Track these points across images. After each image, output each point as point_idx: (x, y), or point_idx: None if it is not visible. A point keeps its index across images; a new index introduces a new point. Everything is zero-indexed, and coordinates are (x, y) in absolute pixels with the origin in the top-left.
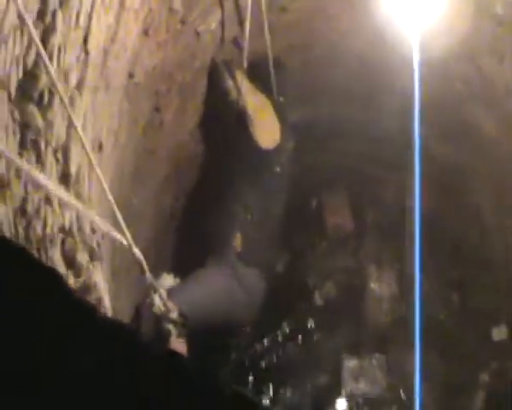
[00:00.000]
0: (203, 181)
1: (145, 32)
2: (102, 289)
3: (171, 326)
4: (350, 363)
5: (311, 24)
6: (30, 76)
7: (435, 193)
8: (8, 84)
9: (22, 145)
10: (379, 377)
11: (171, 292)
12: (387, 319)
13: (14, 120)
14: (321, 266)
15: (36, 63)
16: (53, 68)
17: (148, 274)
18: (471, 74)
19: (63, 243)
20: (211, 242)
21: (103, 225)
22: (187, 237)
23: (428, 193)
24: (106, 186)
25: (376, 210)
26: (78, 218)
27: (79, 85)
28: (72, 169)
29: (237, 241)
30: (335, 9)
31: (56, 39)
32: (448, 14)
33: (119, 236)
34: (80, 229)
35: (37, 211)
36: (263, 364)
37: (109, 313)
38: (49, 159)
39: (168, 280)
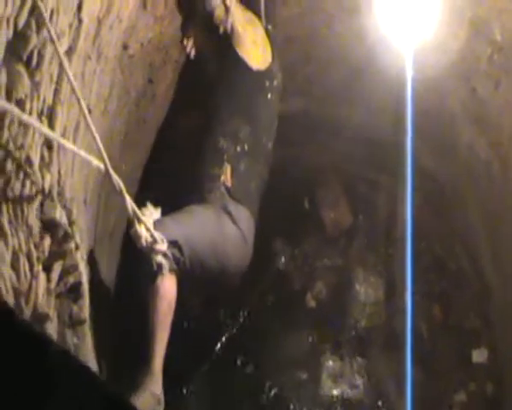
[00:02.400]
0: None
1: (143, 6)
2: (78, 254)
3: (162, 259)
4: (330, 364)
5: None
6: (20, 37)
7: (424, 205)
8: None
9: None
10: (358, 380)
11: (159, 223)
12: (369, 324)
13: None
14: (312, 265)
15: (27, 24)
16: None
17: (128, 200)
18: (465, 94)
19: (42, 205)
20: (199, 177)
21: (82, 153)
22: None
23: (418, 204)
24: (99, 142)
25: (366, 211)
26: (59, 181)
27: (70, 52)
28: (57, 132)
29: (227, 174)
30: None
31: (49, 3)
32: (442, 34)
33: (95, 161)
34: (61, 193)
35: (17, 170)
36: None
37: (83, 279)
38: (34, 120)
39: (153, 213)
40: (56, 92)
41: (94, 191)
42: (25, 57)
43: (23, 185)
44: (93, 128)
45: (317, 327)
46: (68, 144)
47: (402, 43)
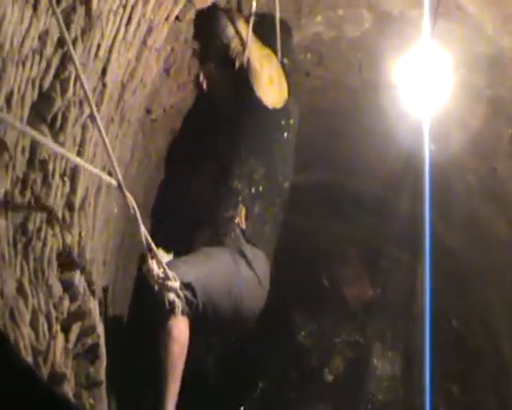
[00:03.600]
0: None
1: (166, 72)
2: (97, 316)
3: (174, 298)
4: None
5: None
6: (45, 98)
7: (443, 281)
8: (22, 104)
9: (30, 165)
10: None
11: (171, 265)
12: (386, 398)
13: (24, 139)
14: (329, 340)
15: (52, 86)
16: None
17: (143, 230)
18: (485, 173)
19: (61, 265)
20: (213, 219)
21: (95, 170)
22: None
23: (437, 280)
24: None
25: (386, 286)
26: (79, 243)
27: (93, 115)
28: (79, 193)
29: (241, 216)
30: (358, 84)
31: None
32: (460, 112)
33: (108, 178)
34: (81, 255)
35: (39, 231)
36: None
37: (101, 341)
38: (56, 181)
39: (165, 257)
40: (79, 154)
41: (113, 253)
42: (49, 119)
43: (44, 246)
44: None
45: (333, 400)
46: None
47: (421, 119)
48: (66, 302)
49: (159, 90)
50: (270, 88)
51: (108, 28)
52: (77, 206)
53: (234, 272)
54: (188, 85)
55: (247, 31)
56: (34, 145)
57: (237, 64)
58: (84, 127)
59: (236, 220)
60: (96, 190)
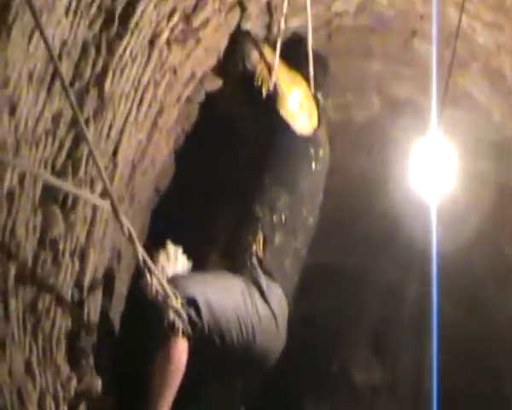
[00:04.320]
0: None
1: (176, 152)
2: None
3: (175, 317)
4: None
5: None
6: (57, 178)
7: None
8: (35, 186)
9: (40, 244)
10: None
11: (176, 278)
12: None
13: (35, 218)
14: None
15: (64, 166)
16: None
17: (138, 248)
18: (491, 258)
19: (70, 345)
20: (230, 244)
21: (87, 194)
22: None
23: (444, 361)
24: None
25: (393, 368)
26: (87, 321)
27: (103, 195)
28: (88, 273)
29: (259, 244)
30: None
31: (86, 147)
32: (467, 197)
33: (101, 202)
34: (88, 333)
35: (48, 311)
36: None
37: None
38: (66, 260)
39: (175, 254)
40: (89, 235)
41: None
42: (60, 198)
43: (53, 325)
44: None
45: None
46: None
47: (429, 204)
48: (74, 382)
49: (169, 169)
50: (299, 113)
51: (120, 109)
52: (86, 286)
53: (246, 302)
54: None
55: (273, 56)
56: (45, 224)
57: (264, 91)
58: (94, 207)
59: (254, 248)
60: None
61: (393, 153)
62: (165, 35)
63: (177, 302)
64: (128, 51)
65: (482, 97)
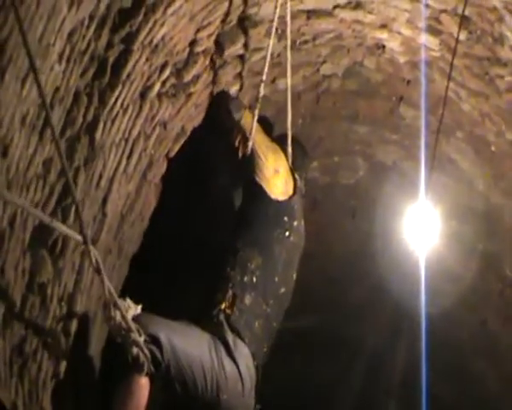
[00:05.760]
0: None
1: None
2: None
3: (139, 353)
4: None
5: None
6: (46, 224)
7: None
8: (24, 229)
9: (29, 288)
10: None
11: (142, 317)
12: None
13: (24, 262)
14: None
15: (54, 212)
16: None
17: (105, 281)
18: (475, 327)
19: (55, 389)
20: (199, 301)
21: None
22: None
23: None
24: None
25: None
26: (73, 368)
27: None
28: (75, 319)
29: (228, 301)
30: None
31: (77, 195)
32: (453, 264)
33: (72, 232)
34: (74, 374)
35: (35, 353)
36: None
37: None
38: (54, 305)
39: (133, 309)
40: (77, 281)
41: None
42: (49, 244)
43: (39, 369)
44: None
45: None
46: None
47: (414, 268)
48: None
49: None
50: (275, 179)
51: (110, 159)
52: (73, 330)
53: (213, 357)
54: None
55: (252, 120)
56: (34, 268)
57: (240, 152)
58: (82, 254)
59: (222, 305)
60: (93, 313)
61: (378, 216)
62: (157, 88)
63: (140, 338)
64: (119, 102)
65: (467, 166)
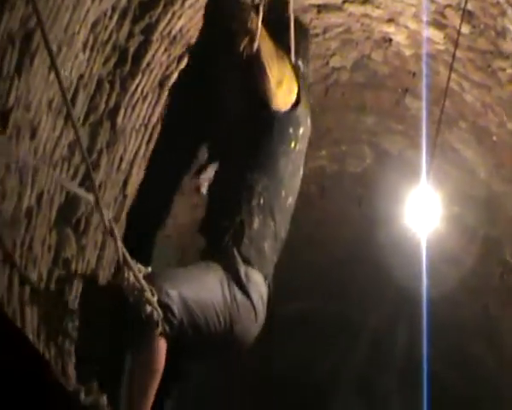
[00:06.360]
0: None
1: (181, 192)
2: None
3: (153, 312)
4: None
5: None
6: (70, 203)
7: None
8: (51, 206)
9: (54, 262)
10: None
11: (153, 277)
12: None
13: (50, 239)
14: None
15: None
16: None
17: (119, 243)
18: (476, 309)
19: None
20: (206, 231)
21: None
22: None
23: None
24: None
25: None
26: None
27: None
28: (97, 293)
29: (237, 230)
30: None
31: (99, 176)
32: (455, 249)
33: (84, 193)
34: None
35: (60, 322)
36: None
37: None
38: (78, 279)
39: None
40: (99, 257)
41: None
42: (73, 222)
43: (64, 338)
44: None
45: None
46: None
47: (417, 254)
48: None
49: (173, 208)
50: (278, 91)
51: (131, 144)
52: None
53: (225, 293)
54: (199, 207)
55: (257, 21)
56: (59, 245)
57: (244, 56)
58: (104, 233)
59: (232, 234)
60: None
61: (383, 203)
62: (175, 77)
63: (153, 297)
64: (139, 90)
65: (469, 154)
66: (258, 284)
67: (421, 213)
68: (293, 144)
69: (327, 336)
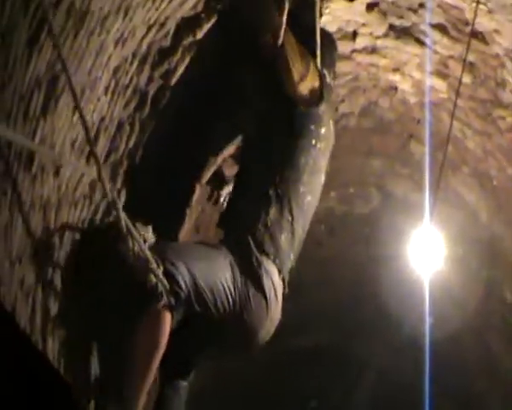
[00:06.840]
0: None
1: (196, 229)
2: None
3: (158, 283)
4: None
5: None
6: None
7: None
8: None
9: None
10: None
11: (160, 248)
12: None
13: None
14: None
15: None
16: None
17: (121, 213)
18: (479, 349)
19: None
20: (227, 219)
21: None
22: None
23: None
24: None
25: None
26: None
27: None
28: None
29: (252, 217)
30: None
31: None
32: (460, 291)
33: (87, 169)
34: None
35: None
36: None
37: None
38: None
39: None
40: None
41: None
42: None
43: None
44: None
45: None
46: None
47: (421, 294)
48: None
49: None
50: (301, 86)
51: None
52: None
53: (235, 278)
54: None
55: (282, 19)
56: None
57: (268, 50)
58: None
59: (247, 221)
60: None
61: (389, 244)
62: None
63: (158, 269)
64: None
65: (471, 198)
66: (271, 274)
67: (425, 253)
68: (313, 141)
69: (331, 373)
